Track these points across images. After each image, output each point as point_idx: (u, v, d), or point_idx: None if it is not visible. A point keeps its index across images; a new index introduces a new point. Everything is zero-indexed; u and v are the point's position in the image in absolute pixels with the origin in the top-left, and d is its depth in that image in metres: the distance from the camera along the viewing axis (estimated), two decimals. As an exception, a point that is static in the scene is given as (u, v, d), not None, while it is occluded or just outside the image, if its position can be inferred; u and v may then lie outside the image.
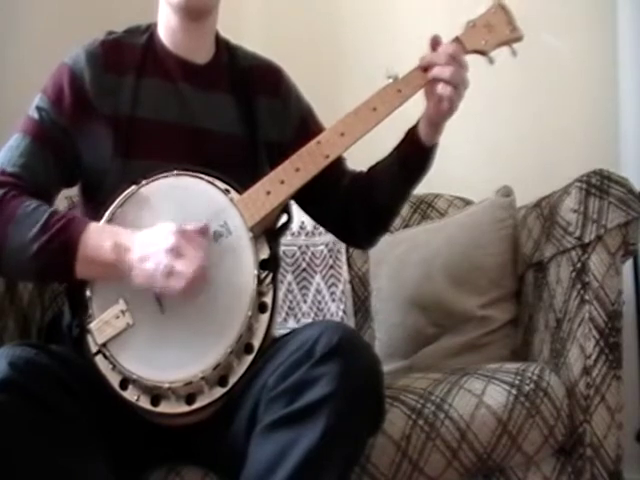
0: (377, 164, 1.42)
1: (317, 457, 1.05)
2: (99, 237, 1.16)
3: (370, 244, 1.53)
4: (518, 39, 1.37)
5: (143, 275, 1.13)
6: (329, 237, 1.61)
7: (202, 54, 1.37)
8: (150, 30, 1.37)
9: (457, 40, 1.33)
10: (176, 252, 1.11)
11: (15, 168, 1.24)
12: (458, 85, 1.27)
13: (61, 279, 1.25)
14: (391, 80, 1.30)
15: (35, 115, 1.29)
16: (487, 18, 1.36)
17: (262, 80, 1.42)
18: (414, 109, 1.34)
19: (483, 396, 1.35)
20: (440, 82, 1.27)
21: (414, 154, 1.35)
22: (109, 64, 1.31)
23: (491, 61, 1.35)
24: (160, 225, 1.15)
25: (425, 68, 1.30)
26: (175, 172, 1.22)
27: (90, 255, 1.15)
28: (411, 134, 1.36)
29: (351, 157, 1.40)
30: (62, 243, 1.15)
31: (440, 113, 1.30)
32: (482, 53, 1.34)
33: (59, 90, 1.29)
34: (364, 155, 1.39)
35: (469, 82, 1.30)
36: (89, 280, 1.17)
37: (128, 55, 1.33)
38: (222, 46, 1.41)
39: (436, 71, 1.28)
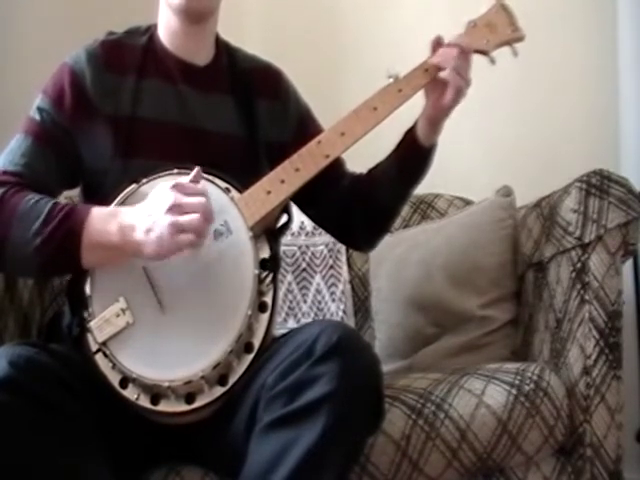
0: (377, 166, 1.42)
1: (317, 456, 1.05)
2: (103, 222, 1.15)
3: (370, 246, 1.53)
4: (520, 39, 1.37)
5: (152, 245, 1.11)
6: (329, 237, 1.61)
7: (202, 56, 1.37)
8: (150, 31, 1.38)
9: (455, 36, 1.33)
10: (177, 208, 1.10)
11: (17, 167, 1.25)
12: (467, 78, 1.28)
13: (67, 269, 1.24)
14: (392, 80, 1.30)
15: (36, 116, 1.29)
16: (488, 18, 1.36)
17: (262, 82, 1.42)
18: (416, 109, 1.34)
19: (483, 396, 1.35)
20: (452, 69, 1.27)
21: (413, 156, 1.35)
22: (110, 64, 1.31)
23: (492, 61, 1.35)
24: (156, 189, 1.14)
25: (435, 48, 1.30)
26: (175, 171, 1.22)
27: (96, 240, 1.15)
28: (409, 136, 1.36)
29: (352, 158, 1.40)
30: (66, 232, 1.15)
31: (443, 107, 1.30)
32: (483, 53, 1.35)
33: (60, 90, 1.29)
34: (365, 155, 1.39)
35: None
36: (93, 273, 1.17)
37: (128, 56, 1.34)
38: (222, 48, 1.42)
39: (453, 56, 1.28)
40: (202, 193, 1.12)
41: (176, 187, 1.12)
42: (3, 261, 1.20)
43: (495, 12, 1.37)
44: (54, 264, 1.18)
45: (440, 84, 1.30)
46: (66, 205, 1.19)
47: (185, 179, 1.14)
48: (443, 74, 1.28)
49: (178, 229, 1.09)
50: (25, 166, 1.25)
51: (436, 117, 1.32)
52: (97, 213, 1.17)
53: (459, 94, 1.29)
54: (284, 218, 1.27)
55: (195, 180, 1.14)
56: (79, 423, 1.08)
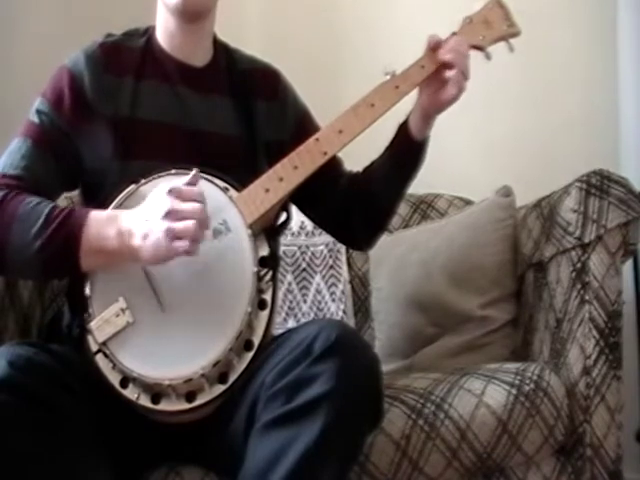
0: (372, 163, 1.43)
1: (315, 455, 1.05)
2: (101, 226, 1.15)
3: (369, 245, 1.54)
4: (515, 34, 1.38)
5: (149, 250, 1.11)
6: (329, 237, 1.62)
7: (200, 57, 1.38)
8: (148, 33, 1.38)
9: (455, 36, 1.34)
10: (173, 214, 1.09)
11: (17, 171, 1.25)
12: (466, 73, 1.29)
13: (67, 273, 1.24)
14: (389, 77, 1.31)
15: (35, 119, 1.29)
16: (484, 14, 1.37)
17: (260, 83, 1.43)
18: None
19: (483, 396, 1.35)
20: (452, 68, 1.28)
21: (406, 150, 1.36)
22: (108, 66, 1.32)
23: (488, 57, 1.36)
24: (154, 192, 1.14)
25: (433, 49, 1.31)
26: (174, 171, 1.22)
27: (94, 245, 1.15)
28: (402, 131, 1.36)
29: (350, 156, 1.40)
30: (65, 236, 1.15)
31: (442, 103, 1.30)
32: (479, 49, 1.36)
33: (59, 92, 1.30)
34: (363, 153, 1.39)
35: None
36: (93, 273, 1.17)
37: (127, 57, 1.34)
38: (220, 49, 1.42)
39: (450, 55, 1.29)
40: (198, 198, 1.12)
41: (172, 192, 1.11)
42: (4, 265, 1.20)
43: (491, 8, 1.38)
44: (54, 267, 1.19)
45: (436, 80, 1.30)
46: (65, 208, 1.19)
47: (182, 181, 1.13)
48: (450, 74, 1.28)
49: (174, 236, 1.09)
50: (25, 169, 1.25)
51: (431, 112, 1.33)
52: (95, 217, 1.17)
53: (461, 91, 1.30)
54: (283, 216, 1.27)
55: (192, 183, 1.14)
56: (79, 423, 1.08)
